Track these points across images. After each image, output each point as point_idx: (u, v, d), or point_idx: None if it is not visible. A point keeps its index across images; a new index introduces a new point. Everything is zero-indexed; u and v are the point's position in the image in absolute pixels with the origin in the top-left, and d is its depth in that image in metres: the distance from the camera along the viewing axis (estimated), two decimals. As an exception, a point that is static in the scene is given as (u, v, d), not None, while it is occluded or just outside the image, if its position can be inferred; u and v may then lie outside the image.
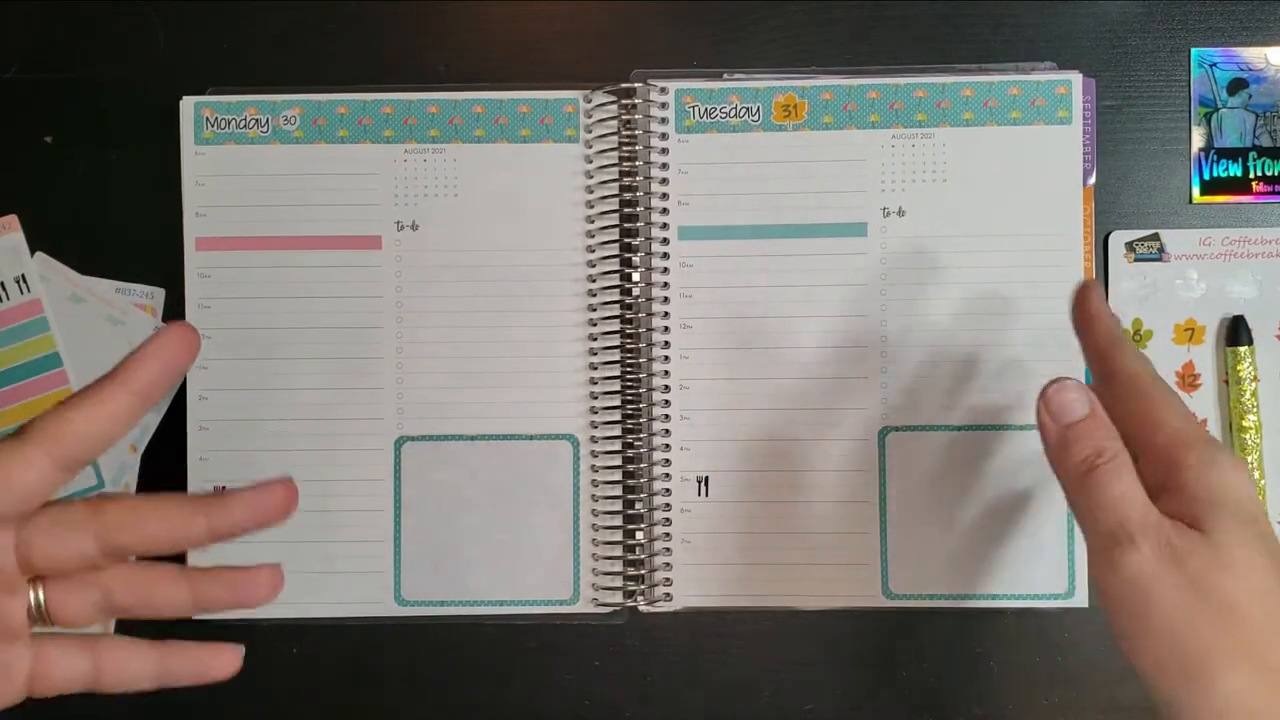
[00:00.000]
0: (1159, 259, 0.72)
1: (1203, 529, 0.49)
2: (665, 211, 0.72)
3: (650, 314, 0.72)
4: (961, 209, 0.71)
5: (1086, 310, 0.58)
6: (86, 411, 0.49)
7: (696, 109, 0.72)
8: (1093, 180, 0.72)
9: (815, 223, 0.72)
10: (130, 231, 0.74)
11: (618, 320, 0.72)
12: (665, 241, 0.72)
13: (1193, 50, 0.73)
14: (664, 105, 0.72)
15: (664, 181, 0.72)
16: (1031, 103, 0.71)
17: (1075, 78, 0.71)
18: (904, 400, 0.71)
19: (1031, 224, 0.71)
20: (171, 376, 0.50)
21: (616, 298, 0.72)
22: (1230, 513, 0.50)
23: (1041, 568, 0.71)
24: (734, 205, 0.72)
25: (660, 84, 0.72)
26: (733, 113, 0.72)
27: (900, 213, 0.71)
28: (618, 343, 0.72)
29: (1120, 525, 0.50)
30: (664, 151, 0.72)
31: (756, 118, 0.72)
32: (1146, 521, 0.50)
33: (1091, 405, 0.54)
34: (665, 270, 0.72)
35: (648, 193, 0.72)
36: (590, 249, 0.72)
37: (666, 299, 0.72)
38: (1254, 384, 0.71)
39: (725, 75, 0.72)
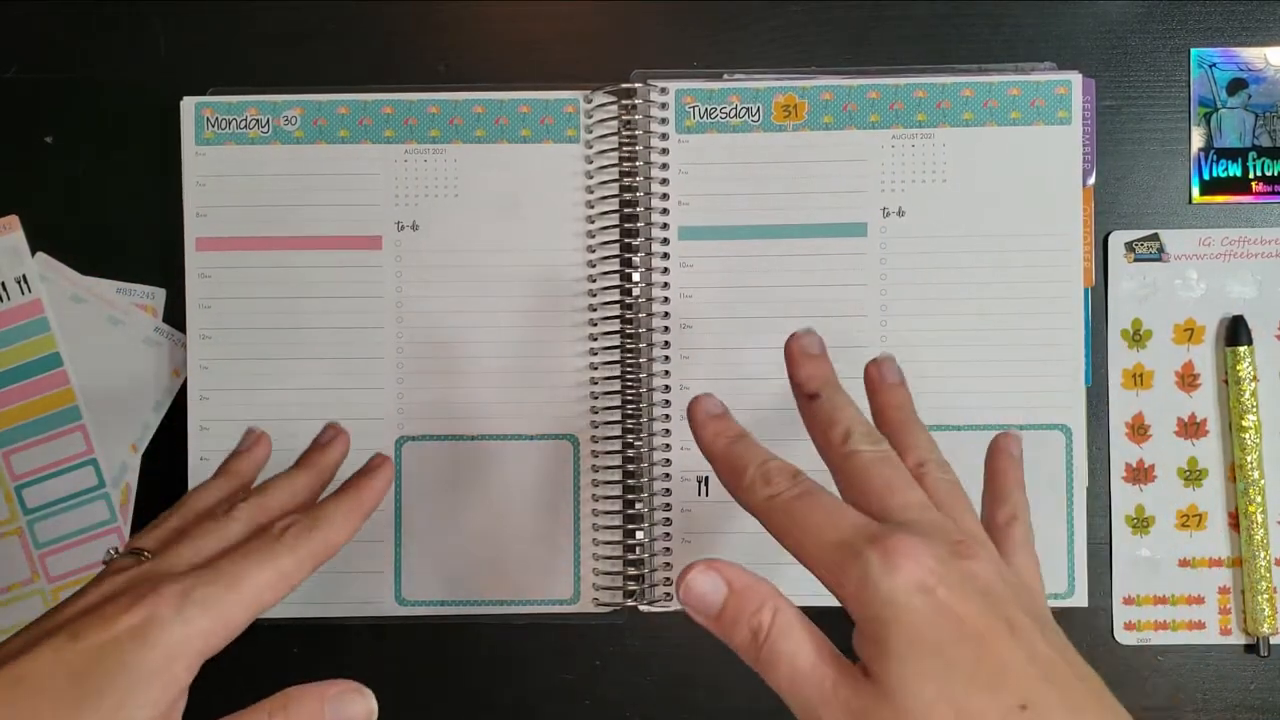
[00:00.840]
0: (1159, 259, 0.72)
1: (873, 675, 0.43)
2: (665, 212, 0.72)
3: (650, 314, 0.72)
4: (961, 209, 0.71)
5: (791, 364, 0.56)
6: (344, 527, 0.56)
7: (697, 109, 0.72)
8: (1092, 180, 0.72)
9: (815, 223, 0.72)
10: (131, 232, 0.74)
11: (618, 320, 0.72)
12: (665, 242, 0.72)
13: (1192, 50, 0.73)
14: (664, 105, 0.72)
15: (664, 182, 0.72)
16: (1031, 103, 0.71)
17: (1075, 78, 0.71)
18: (904, 400, 0.71)
19: (1031, 224, 0.71)
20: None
21: (617, 298, 0.72)
22: (892, 635, 0.43)
23: (1041, 567, 0.70)
24: (734, 205, 0.72)
25: (660, 84, 0.72)
26: (733, 113, 0.72)
27: (900, 213, 0.72)
28: (618, 343, 0.72)
29: (806, 708, 0.45)
30: (664, 152, 0.72)
31: (757, 118, 0.72)
32: (824, 695, 0.44)
33: (726, 585, 0.49)
34: (665, 270, 0.72)
35: (648, 193, 0.72)
36: (590, 249, 0.72)
37: (666, 299, 0.72)
38: (1254, 384, 0.71)
39: (725, 75, 0.72)
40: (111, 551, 0.56)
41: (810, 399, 0.54)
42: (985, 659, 0.43)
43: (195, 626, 0.48)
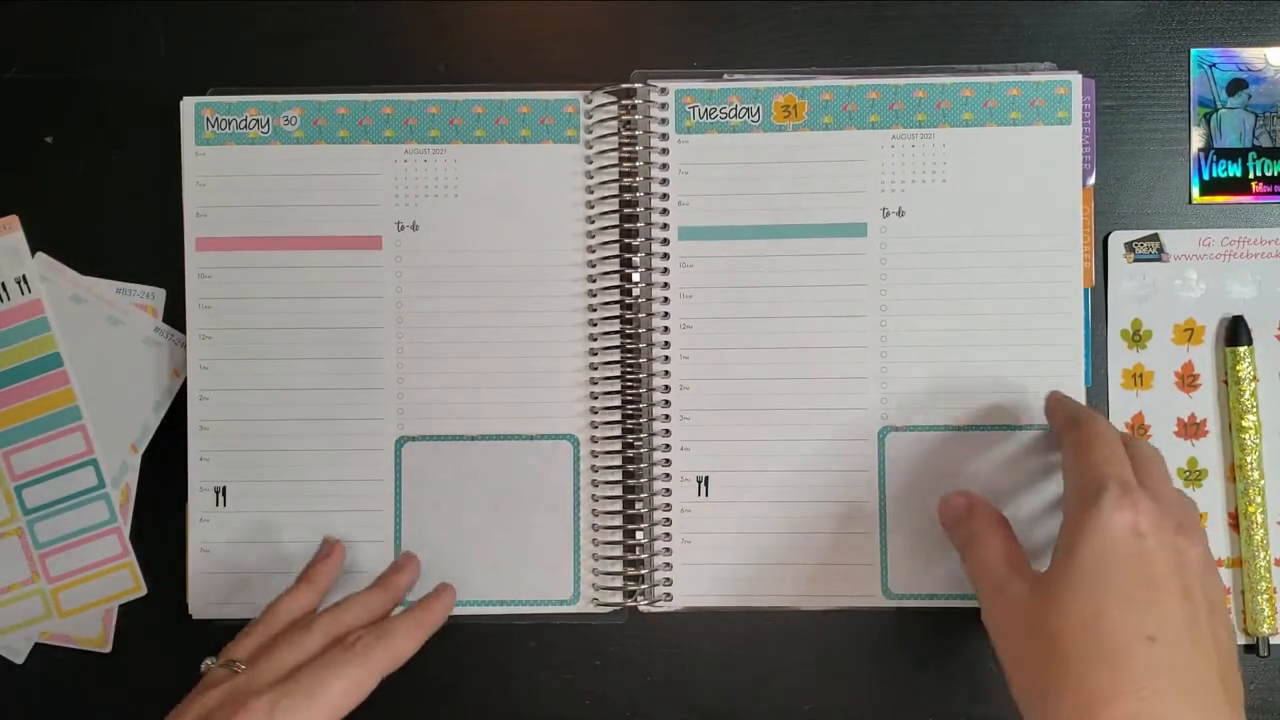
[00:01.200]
0: (1159, 259, 0.72)
1: (1052, 572, 0.58)
2: (665, 212, 0.72)
3: (650, 314, 0.72)
4: (961, 209, 0.71)
5: (1053, 411, 0.69)
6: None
7: (696, 109, 0.72)
8: (1092, 180, 0.72)
9: (815, 223, 0.72)
10: (131, 232, 0.74)
11: (618, 321, 0.72)
12: (665, 242, 0.72)
13: (1192, 50, 0.73)
14: (664, 106, 0.72)
15: (664, 182, 0.72)
16: (1031, 103, 0.71)
17: (1075, 78, 0.71)
18: (904, 400, 0.71)
19: (1031, 224, 0.71)
20: None
21: (617, 298, 0.72)
22: (1083, 551, 0.56)
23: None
24: (734, 205, 0.72)
25: (660, 84, 0.72)
26: (733, 113, 0.72)
27: (900, 213, 0.71)
28: (618, 343, 0.72)
29: (979, 587, 0.63)
30: (664, 152, 0.72)
31: (756, 118, 0.72)
32: (995, 582, 0.61)
33: (969, 501, 0.67)
34: (665, 270, 0.72)
35: (648, 193, 0.72)
36: (590, 249, 0.72)
37: (666, 299, 0.72)
38: (1253, 384, 0.71)
39: (725, 75, 0.72)
40: (209, 663, 0.63)
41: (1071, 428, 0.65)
42: (1148, 597, 0.54)
43: None
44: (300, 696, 0.59)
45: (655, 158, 0.72)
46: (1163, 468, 0.62)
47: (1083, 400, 0.71)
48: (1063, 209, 0.71)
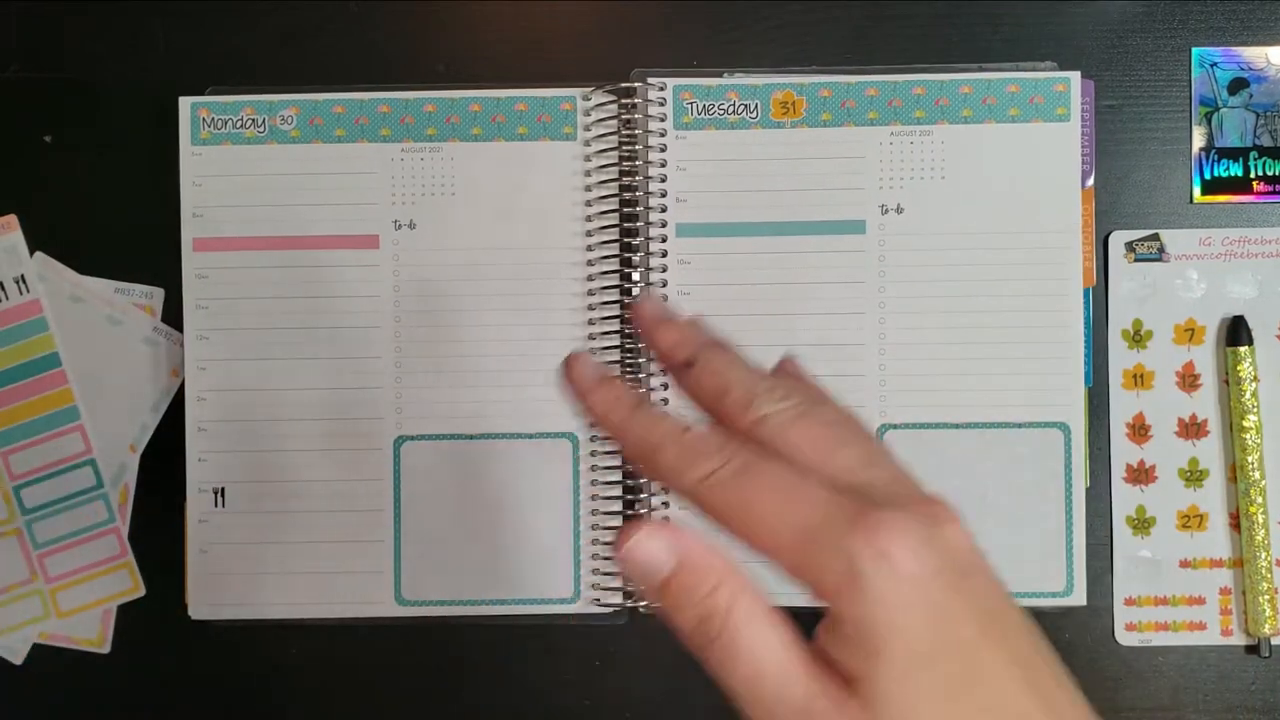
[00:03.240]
0: (1159, 259, 0.72)
1: (860, 688, 0.36)
2: (663, 209, 0.72)
3: (649, 313, 0.72)
4: (960, 206, 0.71)
5: (645, 327, 0.47)
6: None
7: (695, 106, 0.72)
8: (1091, 181, 0.72)
9: (814, 220, 0.72)
10: (130, 231, 0.74)
11: (617, 320, 0.72)
12: (663, 239, 0.72)
13: (1193, 50, 0.73)
14: (662, 102, 0.72)
15: (662, 179, 0.72)
16: (1030, 100, 0.71)
17: (1073, 75, 0.71)
18: (902, 398, 0.71)
19: (1029, 221, 0.71)
20: None
21: (615, 296, 0.72)
22: (894, 653, 0.35)
23: (1040, 566, 0.70)
24: (732, 202, 0.72)
25: (658, 81, 0.72)
26: (731, 110, 0.72)
27: (899, 210, 0.71)
28: (617, 342, 0.72)
29: (768, 718, 0.37)
30: (662, 149, 0.72)
31: (755, 115, 0.72)
32: (794, 708, 0.36)
33: (677, 554, 0.39)
34: (664, 268, 0.72)
35: (646, 190, 0.72)
36: (589, 247, 0.72)
37: (665, 296, 0.72)
38: (1254, 384, 0.71)
39: (725, 75, 0.72)
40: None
41: (685, 368, 0.44)
42: (973, 671, 0.36)
43: None
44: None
45: (653, 155, 0.72)
46: (809, 425, 0.41)
47: (1082, 399, 0.71)
48: (1062, 206, 0.71)
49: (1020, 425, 0.71)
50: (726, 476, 0.38)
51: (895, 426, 0.71)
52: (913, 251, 0.71)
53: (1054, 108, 0.71)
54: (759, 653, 0.37)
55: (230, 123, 0.73)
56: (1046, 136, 0.71)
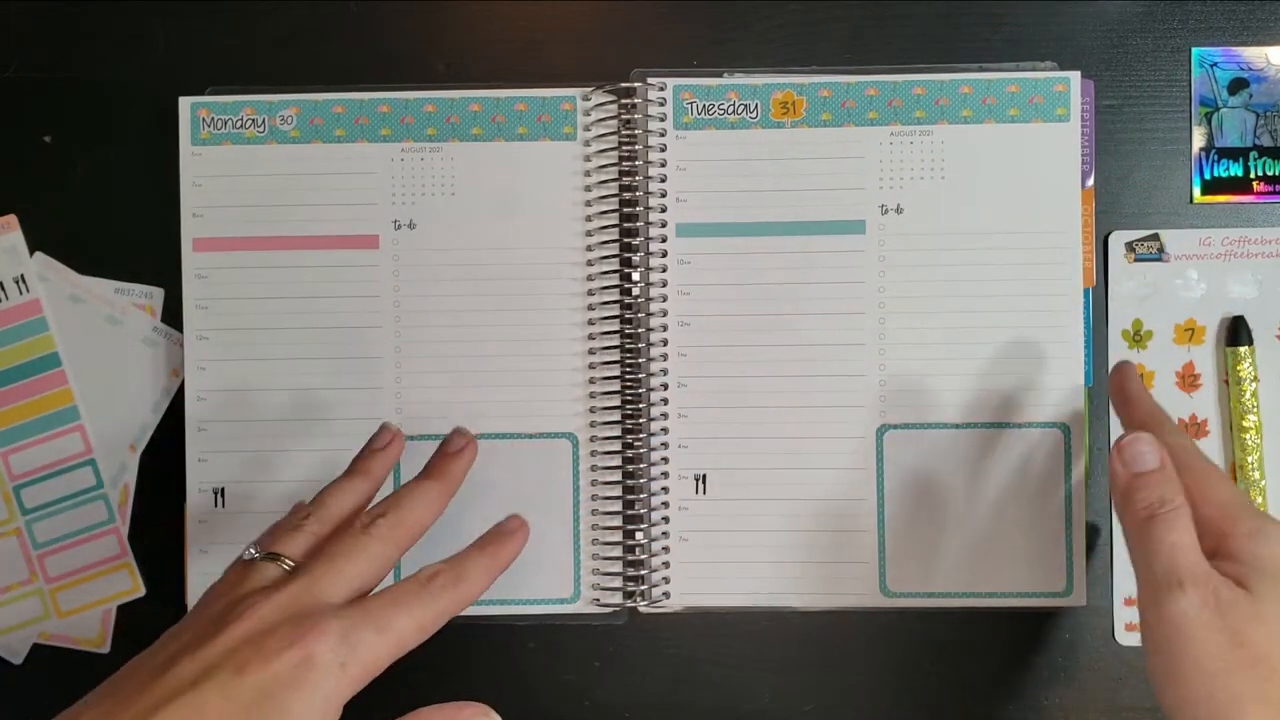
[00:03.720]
0: (1159, 259, 0.72)
1: (1247, 588, 0.53)
2: (663, 209, 0.72)
3: (649, 313, 0.72)
4: (960, 206, 0.71)
5: (1125, 393, 0.65)
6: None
7: (694, 105, 0.72)
8: (1091, 182, 0.72)
9: (813, 220, 0.72)
10: (130, 231, 0.74)
11: (617, 320, 0.72)
12: (663, 239, 0.72)
13: (1193, 50, 0.73)
14: (662, 102, 0.72)
15: (662, 179, 0.72)
16: (1030, 100, 0.71)
17: (1073, 75, 0.71)
18: (902, 398, 0.71)
19: (1029, 221, 0.71)
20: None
21: (615, 296, 0.72)
22: (1273, 577, 0.53)
23: (1041, 566, 0.70)
24: (732, 202, 0.72)
25: (658, 80, 0.72)
26: (731, 109, 0.72)
27: (899, 210, 0.71)
28: (617, 342, 0.72)
29: (1171, 570, 0.54)
30: (662, 149, 0.72)
31: (755, 114, 0.72)
32: (1196, 571, 0.54)
33: (1162, 459, 0.58)
34: (664, 269, 0.72)
35: (645, 190, 0.72)
36: (589, 247, 0.72)
37: (665, 296, 0.72)
38: (1254, 384, 0.71)
39: (725, 75, 0.72)
40: (252, 551, 0.59)
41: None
42: None
43: (348, 673, 0.52)
44: (371, 630, 0.53)
45: (653, 155, 0.72)
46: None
47: (1082, 399, 0.71)
48: (1062, 206, 0.71)
49: (1020, 425, 0.71)
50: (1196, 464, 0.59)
51: (895, 427, 0.71)
52: (913, 251, 0.71)
53: (1054, 108, 0.71)
54: (1184, 534, 0.55)
55: (230, 123, 0.73)
56: (1046, 136, 0.71)
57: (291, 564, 0.57)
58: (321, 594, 0.55)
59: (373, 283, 0.72)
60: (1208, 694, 0.51)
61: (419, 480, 0.63)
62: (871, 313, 0.71)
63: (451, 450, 0.66)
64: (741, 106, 0.72)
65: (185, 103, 0.73)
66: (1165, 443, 0.58)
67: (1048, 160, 0.71)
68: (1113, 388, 0.66)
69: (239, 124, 0.73)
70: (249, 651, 0.51)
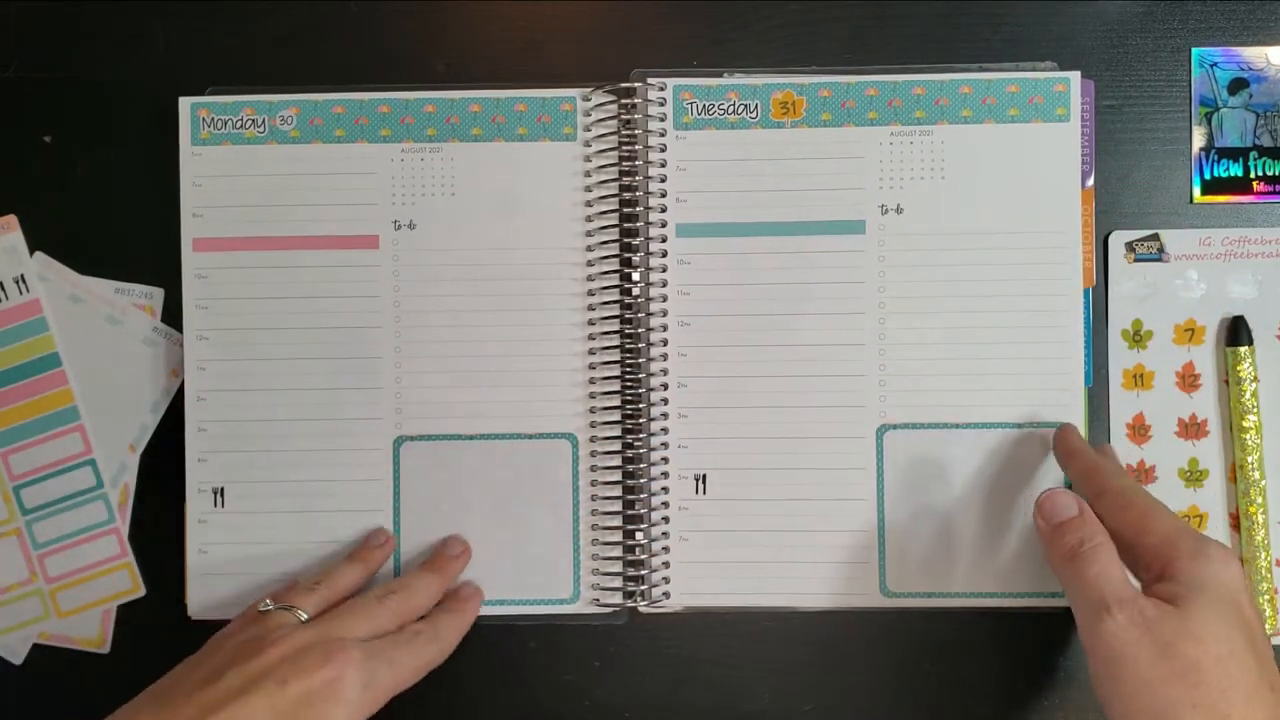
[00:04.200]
0: (1159, 259, 0.72)
1: (1176, 604, 0.58)
2: (663, 209, 0.72)
3: (649, 313, 0.72)
4: (960, 206, 0.71)
5: (1069, 449, 0.69)
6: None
7: (694, 106, 0.72)
8: (1091, 182, 0.72)
9: (813, 220, 0.72)
10: (130, 232, 0.74)
11: (617, 320, 0.72)
12: (663, 239, 0.72)
13: (1193, 50, 0.73)
14: (662, 102, 0.72)
15: (662, 179, 0.72)
16: (1030, 100, 0.71)
17: (1073, 75, 0.71)
18: (902, 398, 0.71)
19: (1029, 221, 0.71)
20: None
21: (615, 296, 0.72)
22: (1208, 593, 0.58)
23: (1040, 566, 0.70)
24: (732, 202, 0.72)
25: (658, 81, 0.72)
26: (731, 110, 0.72)
27: (899, 210, 0.71)
28: (617, 342, 0.72)
29: (1099, 597, 0.59)
30: (662, 149, 0.72)
31: (755, 115, 0.72)
32: (1121, 594, 0.59)
33: (1080, 506, 0.64)
34: (664, 269, 0.72)
35: (645, 191, 0.72)
36: (589, 248, 0.72)
37: (665, 297, 0.72)
38: (1254, 384, 0.71)
39: (725, 75, 0.72)
40: (268, 603, 0.65)
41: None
42: (1264, 648, 0.58)
43: (368, 695, 0.61)
44: (384, 663, 0.62)
45: (653, 155, 0.72)
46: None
47: (1082, 398, 0.71)
48: (1062, 206, 0.71)
49: (1021, 426, 0.71)
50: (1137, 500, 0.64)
51: (895, 427, 0.71)
52: (913, 251, 0.71)
53: (1054, 108, 0.71)
54: (1108, 565, 0.60)
55: (230, 123, 0.73)
56: (1046, 136, 0.71)
57: (306, 615, 0.65)
58: (343, 631, 0.63)
59: (373, 283, 0.72)
60: (1145, 704, 0.56)
61: (423, 572, 0.70)
62: (871, 313, 0.71)
63: (451, 554, 0.72)
64: (741, 107, 0.72)
65: (185, 103, 0.73)
66: (1107, 486, 0.65)
67: (1048, 160, 0.71)
68: (1057, 447, 0.70)
69: (239, 124, 0.73)
70: (289, 668, 0.59)
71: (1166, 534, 0.61)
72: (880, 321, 0.71)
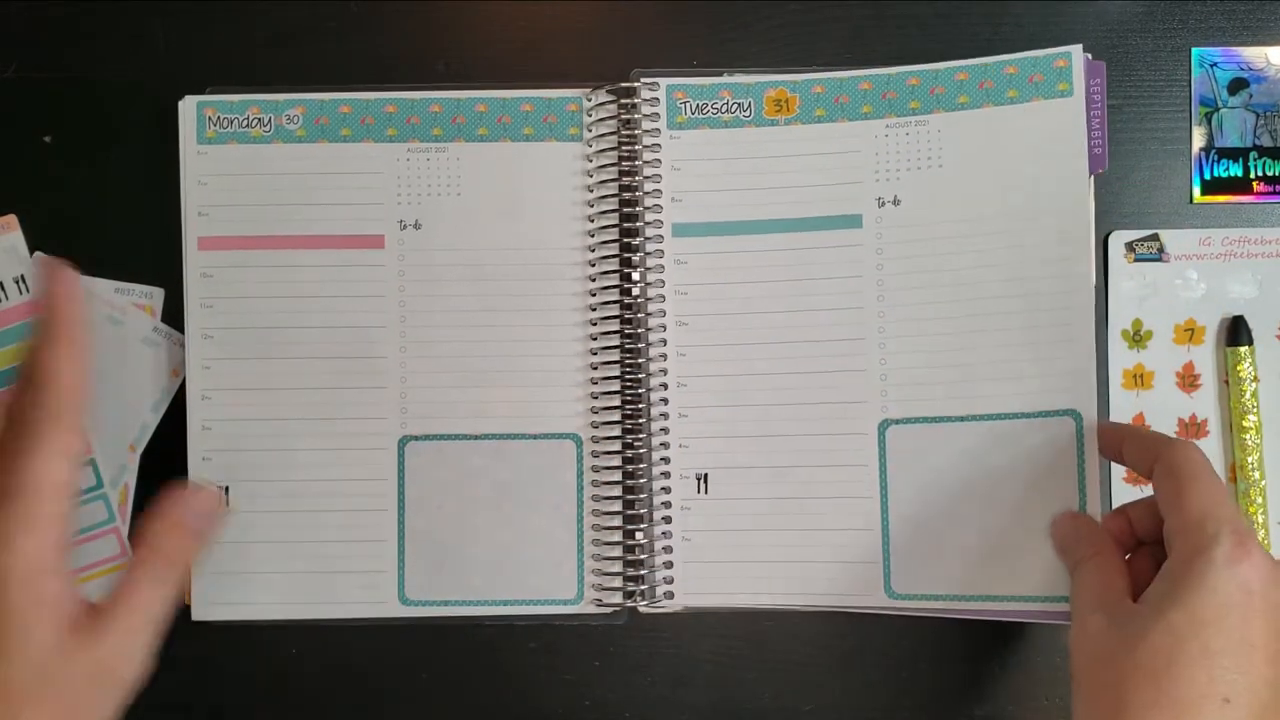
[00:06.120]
0: (1159, 259, 0.72)
1: (1143, 612, 0.56)
2: (659, 209, 0.72)
3: (648, 312, 0.72)
4: (959, 194, 0.71)
5: (1116, 439, 0.66)
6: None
7: (688, 105, 0.72)
8: (1105, 167, 0.70)
9: (810, 216, 0.72)
10: (129, 232, 0.74)
11: (617, 320, 0.72)
12: (659, 239, 0.72)
13: (1193, 50, 0.73)
14: (655, 102, 0.72)
15: (657, 179, 0.72)
16: (1029, 79, 0.70)
17: (1075, 49, 0.70)
18: (904, 393, 0.71)
19: (1034, 205, 0.70)
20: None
21: (616, 297, 0.72)
22: (1181, 606, 0.55)
23: (1042, 566, 0.70)
24: (728, 201, 0.72)
25: (651, 80, 0.72)
26: (724, 108, 0.72)
27: (896, 202, 0.71)
28: (617, 342, 0.72)
29: (1083, 604, 0.61)
30: (656, 149, 0.72)
31: (748, 113, 0.72)
32: (1105, 600, 0.60)
33: (1076, 523, 0.67)
34: (661, 269, 0.72)
35: (641, 191, 0.72)
36: (591, 248, 0.72)
37: (664, 297, 0.72)
38: (1254, 384, 0.71)
39: (725, 75, 0.72)
40: None
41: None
42: (1236, 659, 0.53)
43: None
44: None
45: (647, 155, 0.72)
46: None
47: (1093, 381, 0.70)
48: (1069, 185, 0.69)
49: (1029, 415, 0.70)
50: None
51: (897, 421, 0.71)
52: (911, 243, 0.71)
53: (1055, 84, 0.70)
54: (1087, 577, 0.62)
55: (236, 122, 0.73)
56: (1049, 114, 0.70)
57: None
58: None
59: (378, 283, 0.73)
60: (1110, 706, 0.55)
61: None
62: (871, 307, 0.71)
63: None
64: (735, 105, 0.72)
65: (190, 102, 0.73)
66: (1162, 458, 0.61)
67: (1052, 139, 0.70)
68: (1101, 442, 0.68)
69: (245, 123, 0.73)
70: None
71: (1180, 522, 0.57)
72: (880, 315, 0.71)
